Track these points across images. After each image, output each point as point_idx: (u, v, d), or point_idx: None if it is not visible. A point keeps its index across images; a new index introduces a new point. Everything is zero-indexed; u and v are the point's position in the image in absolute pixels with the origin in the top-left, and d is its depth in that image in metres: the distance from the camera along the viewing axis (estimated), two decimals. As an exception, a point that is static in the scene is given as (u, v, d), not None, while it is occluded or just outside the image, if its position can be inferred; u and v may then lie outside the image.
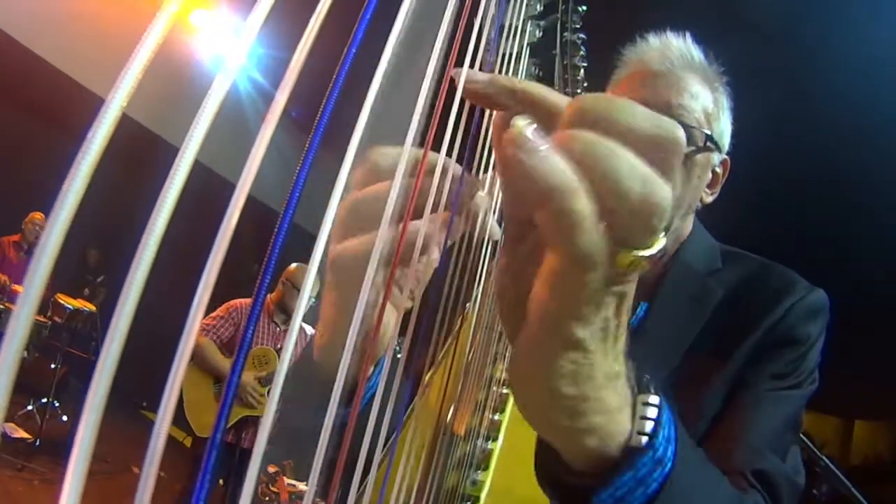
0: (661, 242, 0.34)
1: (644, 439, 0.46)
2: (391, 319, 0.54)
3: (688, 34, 1.09)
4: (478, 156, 0.55)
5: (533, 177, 0.31)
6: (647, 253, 0.34)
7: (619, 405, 0.44)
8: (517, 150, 0.31)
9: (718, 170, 1.11)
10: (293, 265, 4.08)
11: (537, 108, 0.39)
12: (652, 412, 0.47)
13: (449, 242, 0.51)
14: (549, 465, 0.49)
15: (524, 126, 0.31)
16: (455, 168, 0.49)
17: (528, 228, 0.38)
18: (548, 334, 0.37)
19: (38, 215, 6.05)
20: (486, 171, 0.58)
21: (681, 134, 0.35)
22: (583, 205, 0.31)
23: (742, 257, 1.10)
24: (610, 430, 0.44)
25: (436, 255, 0.50)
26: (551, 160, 0.31)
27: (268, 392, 3.91)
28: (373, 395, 0.40)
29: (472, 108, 0.48)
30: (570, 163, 0.31)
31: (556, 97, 0.39)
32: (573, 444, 0.44)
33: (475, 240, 0.56)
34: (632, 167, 0.32)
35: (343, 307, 0.54)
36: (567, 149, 0.32)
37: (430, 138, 0.40)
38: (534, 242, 0.38)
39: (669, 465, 0.48)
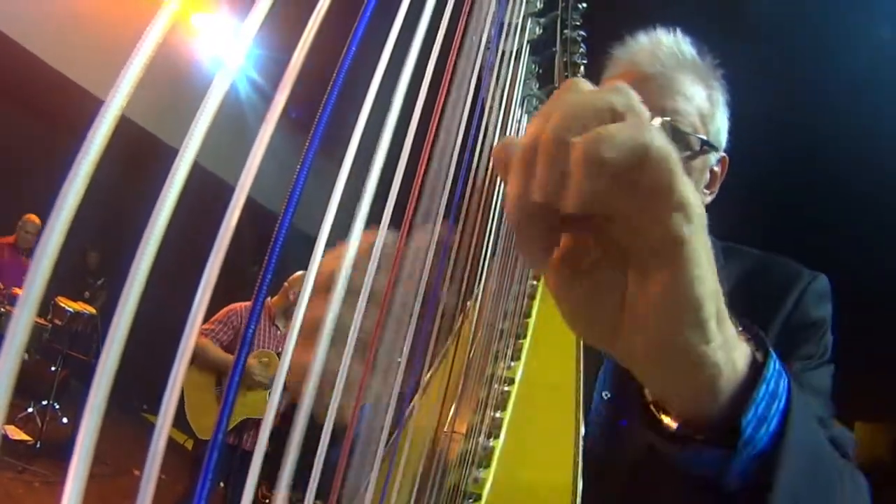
0: None
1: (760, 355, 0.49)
2: None
3: (678, 29, 1.06)
4: (477, 151, 0.54)
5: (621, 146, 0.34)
6: None
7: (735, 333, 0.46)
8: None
9: (717, 169, 1.09)
10: (299, 273, 4.04)
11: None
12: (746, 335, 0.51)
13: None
14: (688, 414, 0.50)
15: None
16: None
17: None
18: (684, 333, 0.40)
19: (32, 217, 5.87)
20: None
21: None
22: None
23: (740, 252, 1.08)
24: (736, 356, 0.46)
25: None
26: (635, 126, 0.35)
27: (269, 394, 3.91)
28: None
29: (472, 105, 0.48)
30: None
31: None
32: (710, 383, 0.45)
33: (474, 239, 0.56)
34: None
35: None
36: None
37: (430, 138, 0.40)
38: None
39: (785, 376, 0.51)
